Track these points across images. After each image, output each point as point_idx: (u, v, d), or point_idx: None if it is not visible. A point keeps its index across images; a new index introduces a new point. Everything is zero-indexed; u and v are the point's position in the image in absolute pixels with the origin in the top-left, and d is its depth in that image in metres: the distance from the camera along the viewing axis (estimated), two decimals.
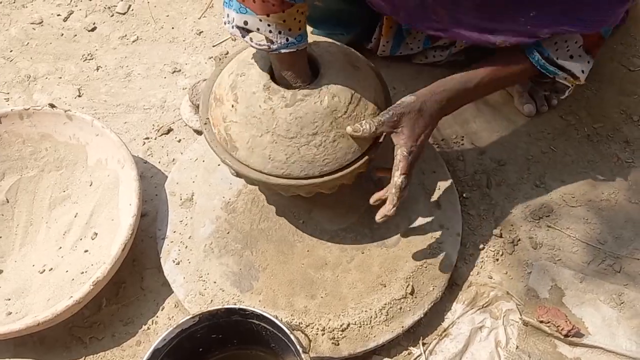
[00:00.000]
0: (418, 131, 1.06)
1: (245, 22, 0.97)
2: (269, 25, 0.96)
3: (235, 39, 1.63)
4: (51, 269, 1.21)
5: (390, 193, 1.07)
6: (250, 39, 1.00)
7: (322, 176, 1.06)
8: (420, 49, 1.48)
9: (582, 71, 1.18)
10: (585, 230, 1.29)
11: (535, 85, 1.43)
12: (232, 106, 1.06)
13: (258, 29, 0.98)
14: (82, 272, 1.18)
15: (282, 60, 1.04)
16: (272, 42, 0.99)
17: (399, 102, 1.07)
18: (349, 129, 1.04)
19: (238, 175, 1.11)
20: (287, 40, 0.98)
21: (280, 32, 0.98)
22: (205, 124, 1.12)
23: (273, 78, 1.07)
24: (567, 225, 1.30)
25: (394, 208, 1.06)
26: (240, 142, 1.06)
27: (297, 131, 1.03)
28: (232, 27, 1.00)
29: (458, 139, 1.43)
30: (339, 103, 1.04)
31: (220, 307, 0.99)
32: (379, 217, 1.08)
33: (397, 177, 1.05)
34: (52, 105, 1.31)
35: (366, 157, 1.09)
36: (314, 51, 1.09)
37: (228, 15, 1.00)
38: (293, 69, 1.06)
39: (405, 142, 1.05)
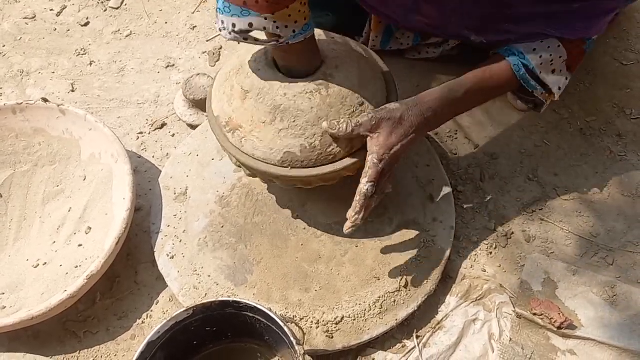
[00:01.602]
0: (394, 140, 1.02)
1: (250, 25, 0.94)
2: (274, 22, 0.93)
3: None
4: (45, 263, 1.21)
5: (355, 199, 1.02)
6: (255, 39, 0.98)
7: (334, 162, 1.06)
8: (410, 45, 1.48)
9: (559, 88, 1.17)
10: (578, 223, 1.30)
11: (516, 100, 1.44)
12: (238, 98, 1.06)
13: (264, 28, 0.94)
14: (76, 266, 1.18)
15: (292, 51, 1.02)
16: (280, 37, 0.97)
17: (382, 107, 1.04)
18: (324, 124, 1.01)
19: (244, 167, 1.10)
20: (294, 32, 0.96)
21: (286, 26, 0.95)
22: (212, 117, 1.11)
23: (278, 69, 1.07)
24: (560, 218, 1.30)
25: (357, 216, 1.02)
26: (245, 133, 1.06)
27: (302, 121, 1.02)
28: (230, 33, 0.97)
29: (452, 132, 1.43)
30: (343, 96, 1.04)
31: (214, 299, 0.99)
32: (345, 228, 1.04)
33: (362, 184, 1.01)
34: (45, 100, 1.30)
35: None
36: (322, 45, 1.09)
37: (223, 22, 0.96)
38: (303, 55, 1.04)
39: (378, 149, 1.01)
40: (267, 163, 1.05)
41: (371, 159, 1.01)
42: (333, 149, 1.04)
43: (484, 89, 1.13)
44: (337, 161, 1.05)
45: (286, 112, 1.02)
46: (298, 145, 1.03)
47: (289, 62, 1.05)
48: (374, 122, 1.01)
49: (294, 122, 1.02)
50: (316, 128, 1.03)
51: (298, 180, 1.07)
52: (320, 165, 1.05)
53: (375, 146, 1.01)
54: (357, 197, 1.02)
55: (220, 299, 1.00)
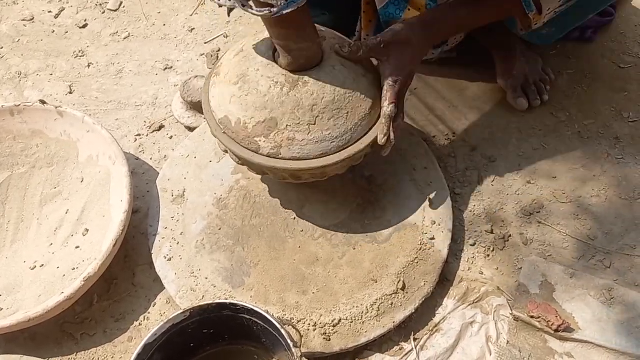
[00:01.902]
0: (405, 61, 1.08)
1: None
2: None
3: (227, 36, 1.63)
4: (42, 265, 1.21)
5: (380, 123, 1.09)
6: (251, 6, 0.98)
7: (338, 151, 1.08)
8: None
9: (549, 9, 1.18)
10: (575, 226, 1.30)
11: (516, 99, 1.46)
12: (237, 94, 1.07)
13: None
14: (74, 268, 1.18)
15: (286, 24, 1.02)
16: (273, 6, 0.96)
17: (388, 29, 1.07)
18: (336, 46, 1.04)
19: (243, 163, 1.11)
20: (287, 0, 0.96)
21: None
22: (208, 115, 1.12)
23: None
24: (558, 221, 1.30)
25: (385, 137, 1.08)
26: (245, 128, 1.06)
27: (299, 115, 1.04)
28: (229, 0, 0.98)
29: (449, 135, 1.43)
30: (339, 89, 1.05)
31: (211, 302, 0.99)
32: (383, 153, 1.11)
33: (385, 107, 1.07)
34: (43, 102, 1.30)
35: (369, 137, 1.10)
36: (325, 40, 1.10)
37: None
38: (300, 31, 1.04)
39: (391, 72, 1.07)
40: (271, 157, 1.07)
41: (387, 83, 1.07)
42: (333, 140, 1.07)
43: (487, 6, 1.15)
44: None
45: (287, 106, 1.04)
46: (295, 139, 1.05)
47: (286, 41, 1.04)
48: (382, 46, 1.05)
49: (292, 114, 1.05)
50: (316, 118, 1.05)
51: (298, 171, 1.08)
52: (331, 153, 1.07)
53: (388, 70, 1.07)
54: (383, 120, 1.08)
55: (217, 301, 0.99)
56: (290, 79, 1.05)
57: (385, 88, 1.07)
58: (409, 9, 1.32)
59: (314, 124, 1.05)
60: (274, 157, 1.06)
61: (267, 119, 1.05)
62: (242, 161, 1.10)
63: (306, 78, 1.05)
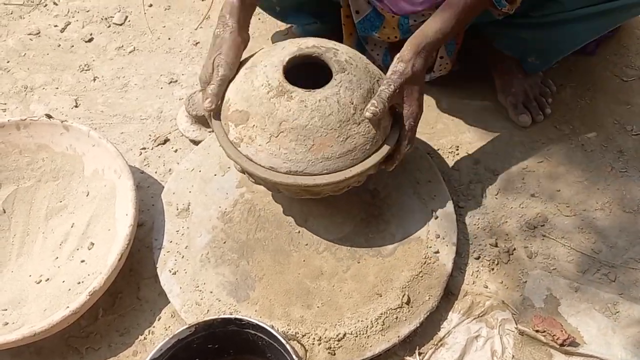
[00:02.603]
0: (417, 96, 1.10)
1: None
2: None
3: None
4: (48, 279, 1.21)
5: (395, 159, 1.13)
6: None
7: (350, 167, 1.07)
8: (380, 59, 1.49)
9: None
10: (580, 239, 1.30)
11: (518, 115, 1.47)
12: (240, 78, 1.09)
13: None
14: (79, 282, 1.18)
15: None
16: None
17: (392, 71, 1.08)
18: (367, 114, 1.03)
19: (253, 178, 1.12)
20: None
21: None
22: (216, 127, 1.12)
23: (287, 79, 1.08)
24: (562, 234, 1.30)
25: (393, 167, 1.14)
26: (227, 109, 1.09)
27: (267, 122, 1.04)
28: None
29: (453, 148, 1.44)
30: (352, 102, 1.05)
31: (216, 317, 0.99)
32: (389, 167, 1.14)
33: (404, 146, 1.11)
34: (48, 116, 1.31)
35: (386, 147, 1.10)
36: (327, 57, 1.09)
37: None
38: None
39: (410, 113, 1.09)
40: (280, 172, 1.06)
41: (408, 123, 1.10)
42: (346, 155, 1.06)
43: (468, 13, 1.15)
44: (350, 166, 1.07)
45: (296, 121, 1.04)
46: (308, 152, 1.04)
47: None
48: (397, 90, 1.06)
49: (305, 128, 1.04)
50: (330, 132, 1.04)
51: (311, 186, 1.07)
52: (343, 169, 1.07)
53: (407, 110, 1.10)
54: (398, 157, 1.13)
55: (223, 316, 1.00)
56: (282, 87, 1.05)
57: (407, 128, 1.10)
58: (384, 27, 1.33)
59: (276, 137, 1.04)
60: (234, 147, 1.08)
61: (244, 111, 1.06)
62: (214, 132, 1.12)
63: (296, 93, 1.04)
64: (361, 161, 1.07)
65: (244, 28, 1.13)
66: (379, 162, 1.09)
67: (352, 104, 1.05)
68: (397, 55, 1.09)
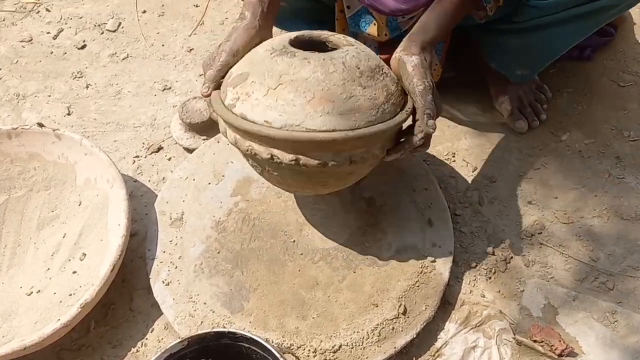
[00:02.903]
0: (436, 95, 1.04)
1: None
2: None
3: None
4: (39, 290, 1.20)
5: (402, 149, 1.03)
6: None
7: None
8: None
9: None
10: (577, 247, 1.28)
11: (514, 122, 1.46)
12: (245, 70, 1.02)
13: None
14: (70, 294, 1.16)
15: None
16: None
17: (412, 66, 1.02)
18: (428, 130, 0.98)
19: (245, 142, 1.00)
20: None
21: None
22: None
23: None
24: (559, 242, 1.29)
25: (394, 158, 1.04)
26: (228, 77, 1.04)
27: (267, 76, 0.97)
28: None
29: (449, 155, 1.42)
30: (358, 67, 0.99)
31: (209, 330, 0.98)
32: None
33: (417, 140, 1.01)
34: (40, 125, 1.30)
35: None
36: (334, 38, 1.07)
37: None
38: None
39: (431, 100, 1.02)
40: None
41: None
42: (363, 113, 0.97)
43: (455, 10, 1.12)
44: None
45: (307, 80, 0.96)
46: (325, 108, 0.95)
47: None
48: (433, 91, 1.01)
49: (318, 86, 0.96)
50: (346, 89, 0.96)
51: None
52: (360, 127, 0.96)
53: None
54: (406, 146, 1.02)
55: (216, 329, 0.98)
56: (286, 49, 1.00)
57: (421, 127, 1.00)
58: (373, 24, 1.33)
59: (274, 89, 0.96)
60: (229, 110, 1.00)
61: (244, 73, 1.01)
62: (209, 101, 1.07)
63: (299, 53, 0.99)
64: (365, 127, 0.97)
65: (263, 23, 1.10)
66: (385, 134, 0.99)
67: (359, 68, 0.99)
68: (403, 52, 1.04)
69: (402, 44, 1.07)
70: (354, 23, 1.37)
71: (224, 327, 1.10)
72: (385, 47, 1.35)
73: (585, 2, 1.20)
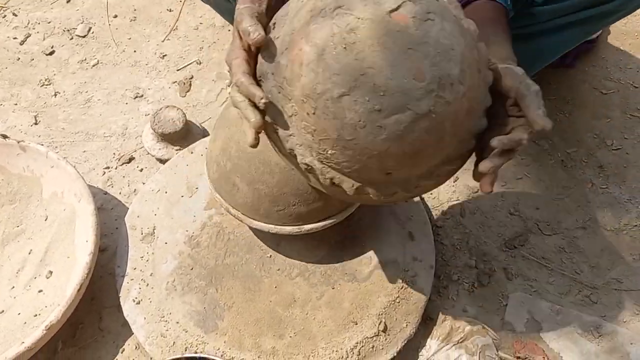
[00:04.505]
0: None
1: None
2: None
3: (200, 63, 1.58)
4: (2, 311, 1.14)
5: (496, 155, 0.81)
6: None
7: None
8: None
9: None
10: (560, 259, 1.26)
11: None
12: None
13: None
14: (35, 315, 1.11)
15: None
16: None
17: (518, 77, 0.86)
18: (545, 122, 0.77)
19: None
20: None
21: None
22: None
23: None
24: (542, 254, 1.27)
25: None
26: None
27: None
28: None
29: None
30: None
31: (181, 355, 0.93)
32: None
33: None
34: (4, 136, 1.24)
35: None
36: None
37: None
38: None
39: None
40: None
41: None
42: None
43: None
44: None
45: None
46: None
47: None
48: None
49: None
50: None
51: None
52: None
53: None
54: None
55: (187, 355, 0.94)
56: None
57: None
58: None
59: None
60: None
61: None
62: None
63: None
64: None
65: None
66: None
67: None
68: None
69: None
70: None
71: (197, 348, 1.05)
72: None
73: (587, 7, 1.18)
